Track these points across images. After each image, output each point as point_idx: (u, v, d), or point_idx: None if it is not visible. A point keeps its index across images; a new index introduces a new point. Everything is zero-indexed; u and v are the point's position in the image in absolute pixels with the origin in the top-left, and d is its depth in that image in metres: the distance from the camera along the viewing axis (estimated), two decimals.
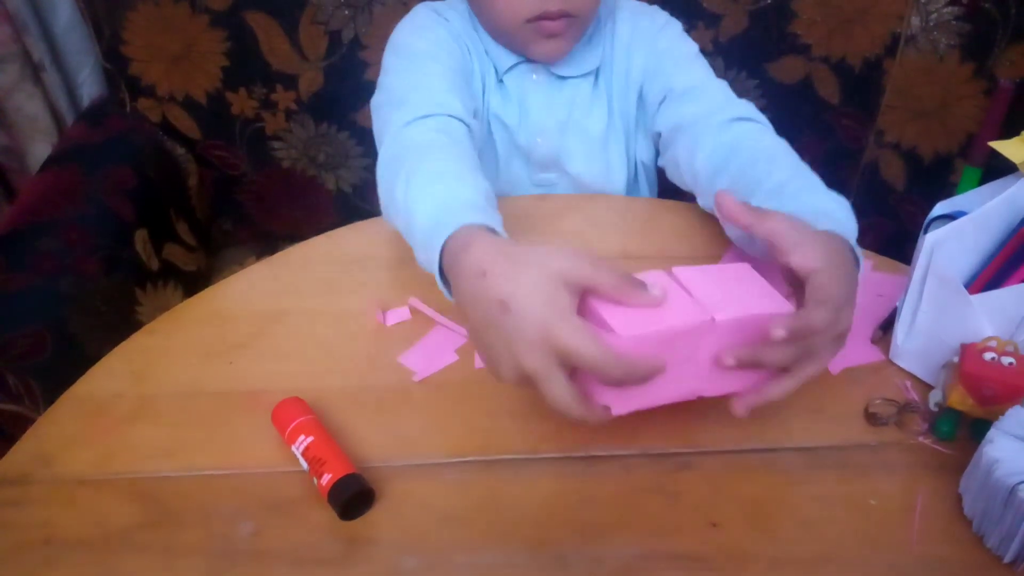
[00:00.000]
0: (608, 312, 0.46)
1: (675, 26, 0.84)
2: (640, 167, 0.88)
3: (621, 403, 0.47)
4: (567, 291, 0.44)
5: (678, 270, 0.51)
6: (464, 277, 0.48)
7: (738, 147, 0.69)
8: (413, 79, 0.73)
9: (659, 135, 0.82)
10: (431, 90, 0.70)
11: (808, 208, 0.58)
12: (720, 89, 0.78)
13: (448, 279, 0.52)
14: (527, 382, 0.45)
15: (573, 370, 0.46)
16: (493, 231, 0.52)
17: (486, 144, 0.83)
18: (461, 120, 0.68)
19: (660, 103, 0.80)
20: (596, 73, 0.83)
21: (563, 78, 0.82)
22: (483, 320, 0.46)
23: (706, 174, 0.71)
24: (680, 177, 0.77)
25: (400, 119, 0.67)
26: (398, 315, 0.65)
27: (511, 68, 0.81)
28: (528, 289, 0.44)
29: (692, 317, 0.47)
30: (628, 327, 0.45)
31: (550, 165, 0.85)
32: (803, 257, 0.50)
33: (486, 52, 0.81)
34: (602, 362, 0.43)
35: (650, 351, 0.45)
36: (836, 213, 0.59)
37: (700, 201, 0.73)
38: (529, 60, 0.81)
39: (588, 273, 0.45)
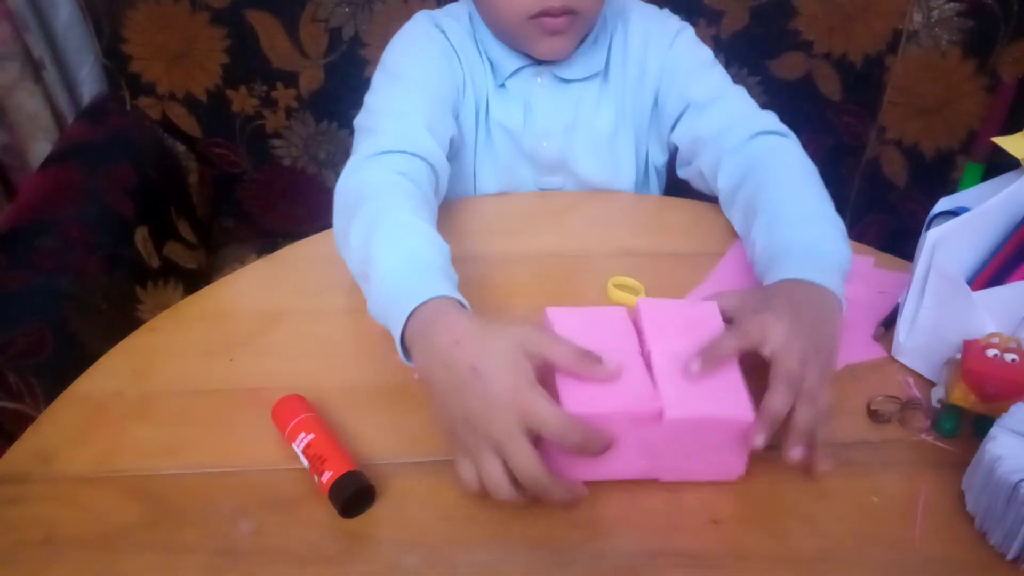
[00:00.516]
0: (563, 384, 0.48)
1: (689, 31, 0.84)
2: (652, 171, 0.88)
3: (576, 474, 0.50)
4: (529, 361, 0.47)
5: (648, 308, 0.54)
6: (437, 345, 0.50)
7: (754, 168, 0.70)
8: (392, 105, 0.73)
9: (675, 146, 0.82)
10: (405, 123, 0.70)
11: (788, 245, 0.60)
12: (740, 99, 0.78)
13: (408, 343, 0.53)
14: (492, 450, 0.46)
15: (537, 442, 0.47)
16: (462, 305, 0.53)
17: (485, 150, 0.83)
18: (426, 160, 0.68)
19: (679, 115, 0.80)
20: (604, 73, 0.82)
21: (568, 81, 0.81)
22: (453, 384, 0.48)
23: (726, 195, 0.72)
24: (707, 188, 0.78)
25: (368, 148, 0.67)
26: None
27: (515, 72, 0.80)
28: (497, 357, 0.47)
29: (642, 405, 0.48)
30: (575, 404, 0.47)
31: (557, 168, 0.84)
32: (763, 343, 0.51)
33: (488, 58, 0.81)
34: (561, 427, 0.45)
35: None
36: (822, 245, 0.60)
37: (725, 212, 0.74)
38: (533, 63, 0.80)
39: (547, 346, 0.48)
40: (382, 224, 0.59)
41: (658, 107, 0.83)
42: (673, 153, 0.85)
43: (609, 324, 0.53)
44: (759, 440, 0.48)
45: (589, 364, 0.48)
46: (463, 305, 0.53)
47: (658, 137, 0.85)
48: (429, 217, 0.63)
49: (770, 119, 0.75)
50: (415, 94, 0.74)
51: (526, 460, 0.46)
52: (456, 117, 0.79)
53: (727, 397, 0.49)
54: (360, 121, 0.75)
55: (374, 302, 0.57)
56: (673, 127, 0.81)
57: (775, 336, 0.50)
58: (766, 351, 0.50)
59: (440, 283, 0.54)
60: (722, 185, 0.73)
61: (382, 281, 0.56)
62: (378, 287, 0.56)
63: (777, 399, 0.48)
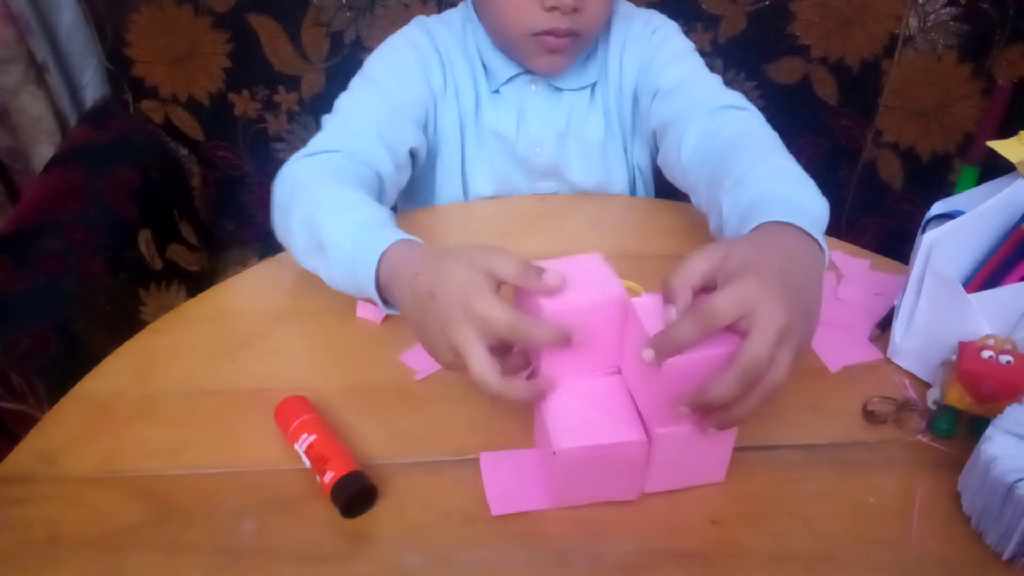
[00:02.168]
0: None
1: (669, 27, 0.84)
2: (638, 173, 0.88)
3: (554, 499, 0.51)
4: (481, 275, 0.49)
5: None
6: (404, 280, 0.54)
7: (717, 140, 0.69)
8: (350, 107, 0.76)
9: (654, 134, 0.82)
10: (355, 126, 0.73)
11: (763, 195, 0.57)
12: (708, 82, 0.78)
13: (383, 291, 0.58)
14: (454, 357, 0.49)
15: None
16: (414, 243, 0.58)
17: (477, 154, 0.83)
18: (368, 164, 0.71)
19: (651, 100, 0.80)
20: (592, 86, 0.83)
21: (562, 90, 0.82)
22: (420, 312, 0.52)
23: (692, 167, 0.70)
24: (672, 175, 0.77)
25: (310, 146, 0.71)
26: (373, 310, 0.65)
27: (510, 79, 0.81)
28: (449, 276, 0.50)
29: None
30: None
31: (550, 174, 0.85)
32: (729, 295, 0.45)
33: (483, 64, 0.81)
34: (509, 324, 0.47)
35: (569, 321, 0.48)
36: (796, 197, 0.57)
37: (693, 199, 0.72)
38: (529, 71, 0.81)
39: (493, 260, 0.50)
40: (324, 201, 0.63)
41: (636, 101, 0.83)
42: (654, 149, 0.84)
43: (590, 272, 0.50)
44: (647, 355, 0.44)
45: (534, 276, 0.48)
46: (414, 242, 0.57)
47: (641, 136, 0.85)
48: (360, 188, 0.66)
49: (734, 96, 0.74)
50: (375, 100, 0.76)
51: (476, 366, 0.47)
52: (426, 127, 0.80)
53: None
54: (324, 118, 0.76)
55: (335, 270, 0.61)
56: (648, 117, 0.81)
57: (755, 313, 0.43)
58: (742, 325, 0.44)
59: (393, 232, 0.58)
60: (685, 159, 0.71)
61: (339, 247, 0.59)
62: (337, 254, 0.60)
63: (726, 382, 0.43)
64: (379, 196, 0.71)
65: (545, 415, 0.49)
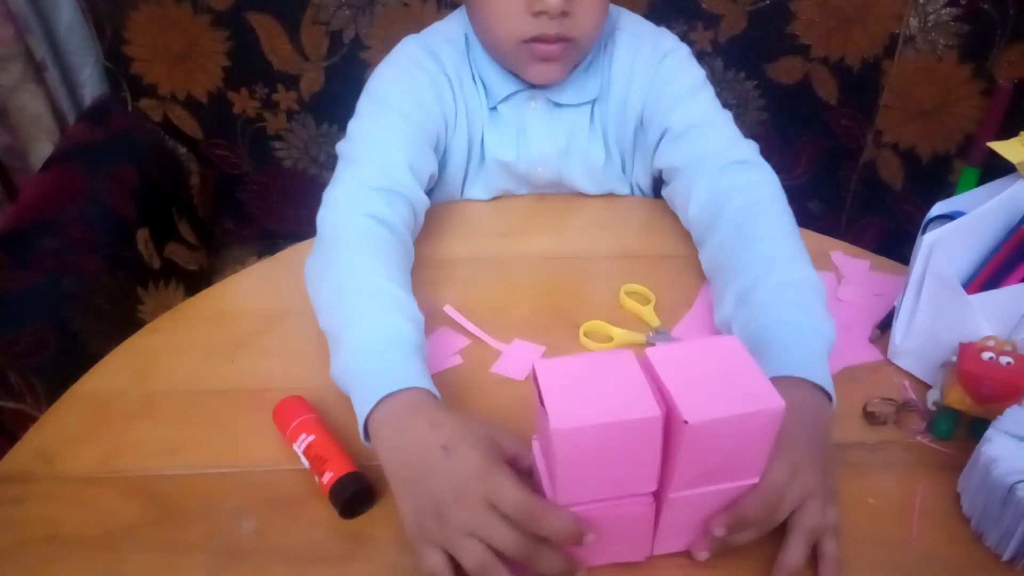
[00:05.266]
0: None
1: (680, 53, 0.79)
2: (637, 191, 0.86)
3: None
4: (497, 449, 0.47)
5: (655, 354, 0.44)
6: (411, 428, 0.49)
7: (727, 205, 0.66)
8: (375, 135, 0.71)
9: (659, 171, 0.80)
10: (387, 158, 0.69)
11: (773, 329, 0.56)
12: (720, 128, 0.75)
13: (373, 425, 0.51)
14: (467, 533, 0.44)
15: None
16: (434, 398, 0.52)
17: (477, 176, 0.82)
18: (406, 198, 0.67)
19: (659, 141, 0.77)
20: (593, 103, 0.80)
21: (561, 106, 0.79)
22: (423, 467, 0.47)
23: (698, 226, 0.70)
24: (678, 215, 0.76)
25: (349, 180, 0.67)
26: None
27: (509, 96, 0.79)
28: (471, 438, 0.47)
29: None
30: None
31: (552, 187, 0.84)
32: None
33: (482, 81, 0.78)
34: (518, 509, 0.43)
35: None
36: (806, 331, 0.56)
37: (699, 255, 0.70)
38: (527, 87, 0.78)
39: (513, 445, 0.48)
40: (356, 286, 0.57)
41: (643, 130, 0.80)
42: (658, 177, 0.83)
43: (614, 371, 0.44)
44: (719, 531, 0.45)
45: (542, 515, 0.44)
46: (436, 397, 0.52)
47: (642, 160, 0.83)
48: (404, 274, 0.62)
49: (746, 150, 0.72)
50: (399, 127, 0.72)
51: (505, 533, 0.43)
52: (443, 150, 0.78)
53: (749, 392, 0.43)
54: (342, 148, 0.72)
55: (341, 370, 0.54)
56: (654, 152, 0.79)
57: (793, 497, 0.47)
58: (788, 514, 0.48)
59: (415, 370, 0.52)
60: (692, 215, 0.70)
61: (355, 354, 0.53)
62: (348, 359, 0.53)
63: (750, 506, 0.46)
64: (412, 232, 0.68)
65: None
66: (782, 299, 0.58)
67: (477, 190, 0.83)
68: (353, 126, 0.74)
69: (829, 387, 0.53)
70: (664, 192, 0.79)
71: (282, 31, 0.99)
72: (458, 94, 0.78)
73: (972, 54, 0.98)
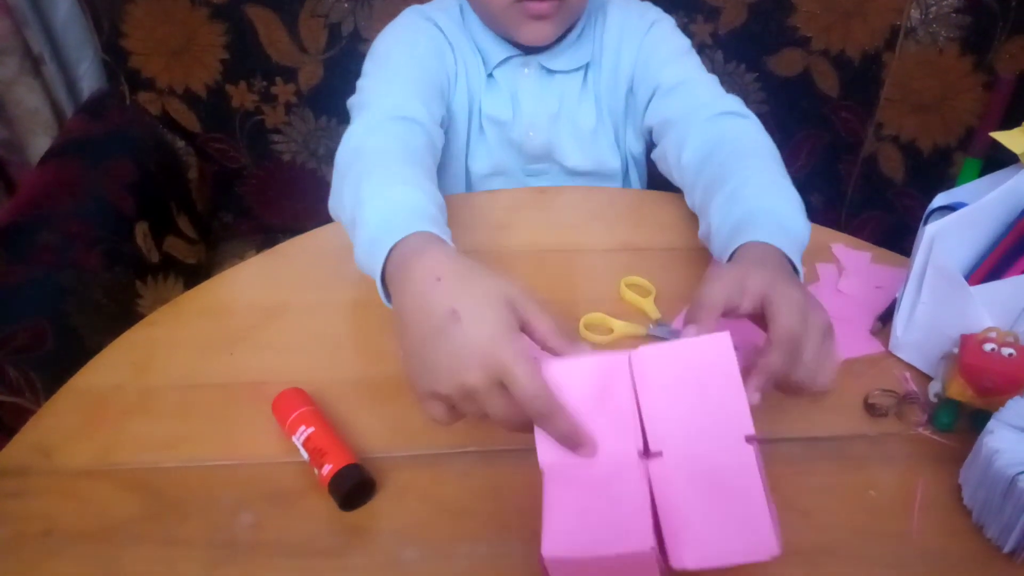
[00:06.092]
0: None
1: (667, 22, 0.84)
2: (631, 160, 0.89)
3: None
4: (513, 314, 0.44)
5: (639, 358, 0.44)
6: (415, 281, 0.46)
7: (717, 146, 0.69)
8: (384, 85, 0.73)
9: (650, 130, 0.82)
10: (398, 95, 0.70)
11: (753, 211, 0.59)
12: (708, 84, 0.78)
13: (388, 283, 0.51)
14: (461, 397, 0.43)
15: None
16: (445, 243, 0.51)
17: (478, 139, 0.84)
18: (422, 125, 0.68)
19: (649, 99, 0.80)
20: (585, 69, 0.83)
21: (554, 72, 0.82)
22: (430, 328, 0.44)
23: (689, 172, 0.72)
24: (669, 172, 0.78)
25: (363, 122, 0.67)
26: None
27: (503, 62, 0.81)
28: (480, 301, 0.44)
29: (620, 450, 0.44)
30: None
31: (542, 157, 0.85)
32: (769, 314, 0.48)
33: (477, 47, 0.81)
34: (529, 394, 0.41)
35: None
36: (786, 219, 0.59)
37: (687, 199, 0.73)
38: (521, 53, 0.81)
39: (533, 311, 0.45)
40: (374, 174, 0.58)
41: (633, 94, 0.83)
42: (649, 141, 0.85)
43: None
44: (755, 398, 0.44)
45: (564, 343, 0.45)
46: (446, 244, 0.50)
47: (634, 125, 0.86)
48: (424, 171, 0.61)
49: (735, 102, 0.75)
50: (406, 73, 0.74)
51: (507, 413, 0.43)
52: (448, 105, 0.80)
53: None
54: (353, 101, 0.75)
55: (359, 246, 0.54)
56: (645, 112, 0.81)
57: (774, 299, 0.48)
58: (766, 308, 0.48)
59: (421, 222, 0.51)
60: (685, 161, 0.72)
61: (367, 223, 0.53)
62: (364, 229, 0.53)
63: (774, 359, 0.46)
64: (432, 155, 0.67)
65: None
66: (766, 193, 0.61)
67: (479, 156, 0.84)
68: (361, 83, 0.76)
69: (799, 263, 0.56)
70: (655, 154, 0.80)
71: (280, 24, 0.99)
72: (458, 56, 0.80)
73: (973, 46, 0.98)
